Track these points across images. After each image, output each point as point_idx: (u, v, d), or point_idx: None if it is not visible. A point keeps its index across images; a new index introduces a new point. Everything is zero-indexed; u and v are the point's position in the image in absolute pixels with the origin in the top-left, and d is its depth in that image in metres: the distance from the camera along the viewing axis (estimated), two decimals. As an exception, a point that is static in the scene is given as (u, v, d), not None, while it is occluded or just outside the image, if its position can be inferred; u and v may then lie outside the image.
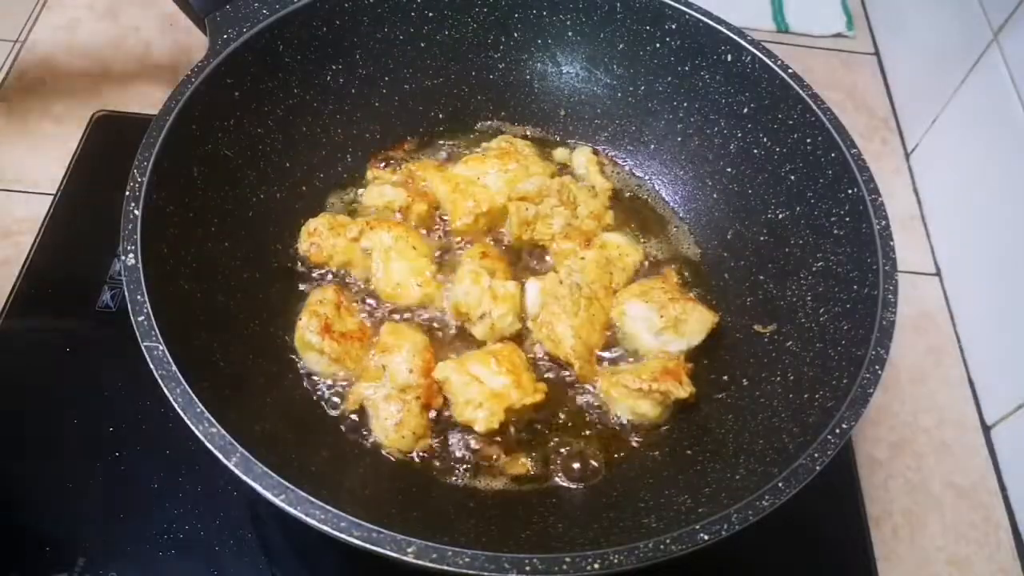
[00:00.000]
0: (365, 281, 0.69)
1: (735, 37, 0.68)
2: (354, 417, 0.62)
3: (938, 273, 0.82)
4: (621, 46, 0.74)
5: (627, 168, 0.78)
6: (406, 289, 0.67)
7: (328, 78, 0.71)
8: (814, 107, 0.64)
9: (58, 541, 0.61)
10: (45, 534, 0.61)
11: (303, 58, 0.69)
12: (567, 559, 0.43)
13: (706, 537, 0.45)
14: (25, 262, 0.74)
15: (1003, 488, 0.70)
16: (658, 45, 0.72)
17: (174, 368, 0.48)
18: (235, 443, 0.46)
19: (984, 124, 0.77)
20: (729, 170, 0.71)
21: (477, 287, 0.65)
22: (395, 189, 0.71)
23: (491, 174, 0.71)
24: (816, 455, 0.49)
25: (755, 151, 0.69)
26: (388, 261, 0.68)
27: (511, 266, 0.70)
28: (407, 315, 0.67)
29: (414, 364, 0.61)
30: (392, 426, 0.59)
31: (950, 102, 0.82)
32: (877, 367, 0.53)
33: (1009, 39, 0.74)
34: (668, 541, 0.45)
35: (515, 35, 0.75)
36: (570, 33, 0.75)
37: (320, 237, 0.68)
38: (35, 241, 0.75)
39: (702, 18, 0.69)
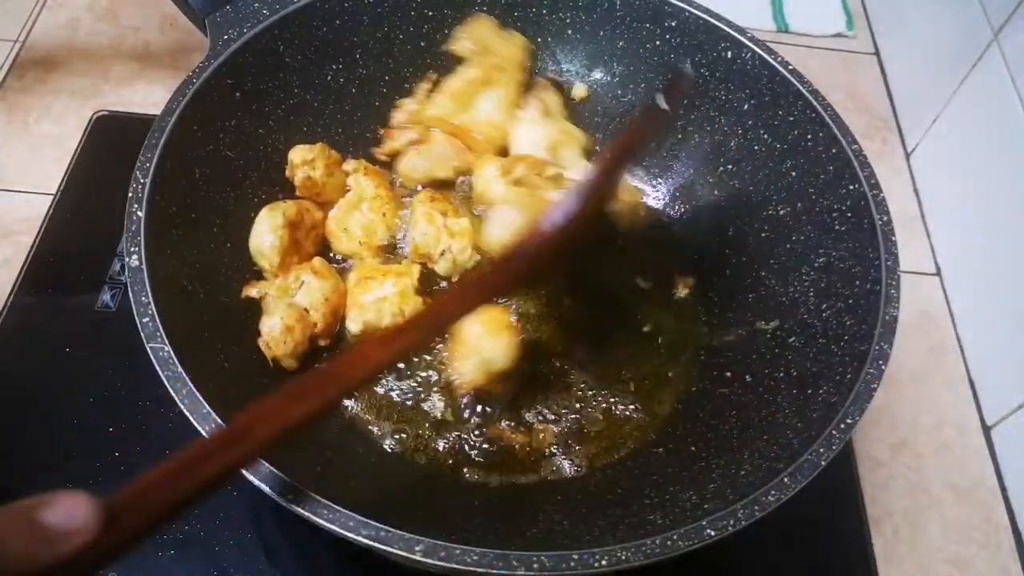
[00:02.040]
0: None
1: (735, 34, 0.68)
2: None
3: (938, 273, 0.82)
4: (621, 43, 0.74)
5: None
6: (350, 238, 0.69)
7: (328, 78, 0.71)
8: (814, 103, 0.64)
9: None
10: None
11: (303, 58, 0.69)
12: (575, 556, 0.43)
13: (713, 533, 0.45)
14: (25, 262, 0.74)
15: (1003, 488, 0.70)
16: (658, 42, 0.72)
17: (180, 369, 0.48)
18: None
19: (984, 124, 0.77)
20: (730, 167, 0.71)
21: (433, 227, 0.68)
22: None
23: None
24: (821, 450, 0.49)
25: (755, 148, 0.69)
26: (353, 207, 0.70)
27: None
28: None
29: (330, 297, 0.64)
30: (280, 328, 0.60)
31: (950, 102, 0.82)
32: (880, 362, 0.53)
33: (1009, 39, 0.74)
34: (676, 537, 0.45)
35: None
36: (570, 31, 0.75)
37: (316, 170, 0.68)
38: (35, 241, 0.75)
39: (702, 15, 0.69)
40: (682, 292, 0.71)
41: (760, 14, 1.01)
